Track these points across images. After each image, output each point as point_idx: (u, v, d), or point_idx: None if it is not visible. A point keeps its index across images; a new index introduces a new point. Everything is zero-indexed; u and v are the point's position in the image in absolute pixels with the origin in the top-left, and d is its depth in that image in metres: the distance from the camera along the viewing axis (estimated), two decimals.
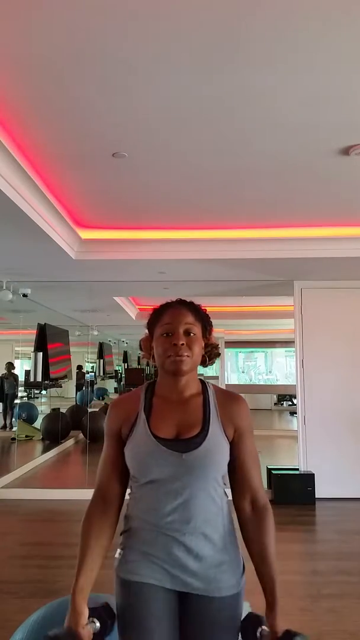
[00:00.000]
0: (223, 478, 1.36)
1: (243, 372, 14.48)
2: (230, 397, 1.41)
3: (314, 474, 4.98)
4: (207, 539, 1.30)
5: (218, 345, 1.48)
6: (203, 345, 1.41)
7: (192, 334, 1.36)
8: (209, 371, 12.89)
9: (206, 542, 1.29)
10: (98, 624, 1.25)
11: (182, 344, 1.33)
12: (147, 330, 1.45)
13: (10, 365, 9.29)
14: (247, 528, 1.36)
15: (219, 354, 1.49)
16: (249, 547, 1.35)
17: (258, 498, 1.36)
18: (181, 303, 1.43)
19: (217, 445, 1.32)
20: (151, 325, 1.42)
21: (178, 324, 1.35)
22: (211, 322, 1.46)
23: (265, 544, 1.35)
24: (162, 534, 1.29)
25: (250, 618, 1.32)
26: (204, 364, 1.44)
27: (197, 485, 1.29)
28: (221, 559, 1.31)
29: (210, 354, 1.45)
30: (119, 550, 1.35)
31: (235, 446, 1.35)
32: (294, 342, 5.47)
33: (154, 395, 1.40)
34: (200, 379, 1.45)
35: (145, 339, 1.46)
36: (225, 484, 1.37)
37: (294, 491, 4.91)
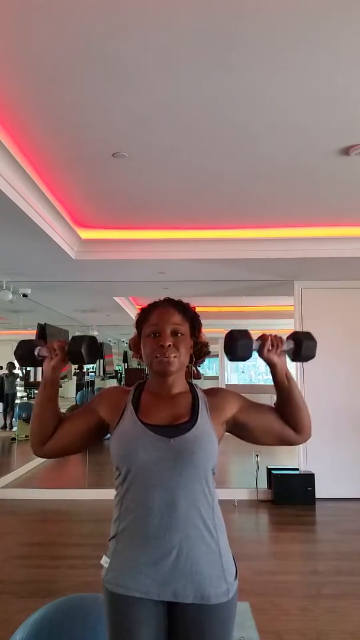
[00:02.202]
0: (213, 476, 1.33)
1: (243, 372, 14.47)
2: (212, 391, 1.44)
3: (314, 474, 4.98)
4: (198, 540, 1.25)
5: (208, 343, 1.48)
6: (191, 344, 1.41)
7: (179, 334, 1.36)
8: (209, 371, 12.88)
9: (197, 544, 1.25)
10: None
11: (169, 345, 1.34)
12: (135, 330, 1.46)
13: (11, 365, 9.30)
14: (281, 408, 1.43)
15: (208, 352, 1.49)
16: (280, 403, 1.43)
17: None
18: (169, 302, 1.43)
19: (205, 434, 1.30)
20: (139, 324, 1.43)
21: (165, 324, 1.36)
22: (200, 320, 1.46)
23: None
24: (151, 536, 1.24)
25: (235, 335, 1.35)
26: (192, 362, 1.44)
27: (186, 475, 1.26)
28: (213, 562, 1.26)
29: (200, 353, 1.46)
30: (105, 558, 1.31)
31: (245, 418, 1.39)
32: None
33: (143, 391, 1.41)
34: (189, 382, 1.45)
35: (134, 339, 1.46)
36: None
37: (294, 491, 4.91)
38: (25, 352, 1.42)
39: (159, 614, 1.25)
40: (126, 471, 1.29)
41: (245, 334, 1.35)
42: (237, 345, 1.34)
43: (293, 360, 1.41)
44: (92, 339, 1.40)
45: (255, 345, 1.36)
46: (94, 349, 1.40)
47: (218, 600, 1.25)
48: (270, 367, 1.39)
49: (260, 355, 1.37)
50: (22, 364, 1.45)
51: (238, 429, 1.41)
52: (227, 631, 1.28)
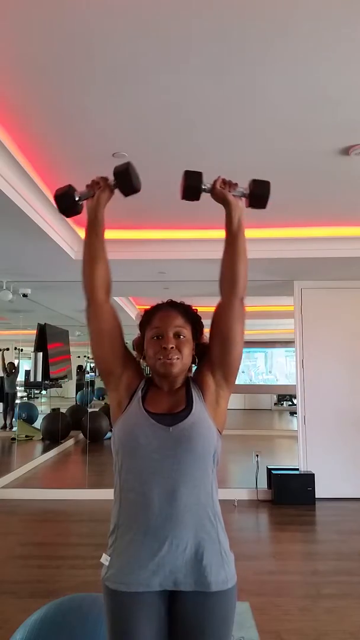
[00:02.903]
0: (215, 465, 1.34)
1: (243, 372, 14.47)
2: (195, 375, 1.45)
3: (314, 474, 4.98)
4: (198, 528, 1.27)
5: (209, 345, 1.48)
6: (193, 346, 1.43)
7: (181, 337, 1.39)
8: None
9: (197, 532, 1.27)
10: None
11: (172, 347, 1.36)
12: (139, 332, 1.48)
13: (11, 365, 9.30)
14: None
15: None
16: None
17: None
18: (171, 305, 1.46)
19: (202, 420, 1.33)
20: (142, 326, 1.46)
21: (168, 326, 1.38)
22: (202, 322, 1.48)
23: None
24: (151, 526, 1.25)
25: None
26: (194, 363, 1.46)
27: (185, 463, 1.27)
28: (212, 550, 1.28)
29: (202, 354, 1.47)
30: (105, 556, 1.32)
31: (215, 357, 1.40)
32: (294, 342, 5.47)
33: (151, 385, 1.44)
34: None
35: (137, 340, 1.49)
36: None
37: (294, 491, 4.90)
38: (66, 199, 1.40)
39: (160, 605, 1.27)
40: (126, 457, 1.31)
41: (194, 172, 1.40)
42: (185, 177, 1.39)
43: (250, 204, 1.46)
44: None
45: (206, 183, 1.41)
46: (137, 173, 1.42)
47: (217, 588, 1.26)
48: (225, 206, 1.41)
49: (214, 192, 1.40)
50: (67, 214, 1.45)
51: (224, 363, 1.40)
52: (226, 623, 1.28)
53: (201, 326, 1.48)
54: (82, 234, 4.20)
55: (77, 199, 1.40)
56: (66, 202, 1.40)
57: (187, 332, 1.40)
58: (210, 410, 1.36)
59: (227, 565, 1.30)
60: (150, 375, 1.47)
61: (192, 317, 1.45)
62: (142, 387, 1.40)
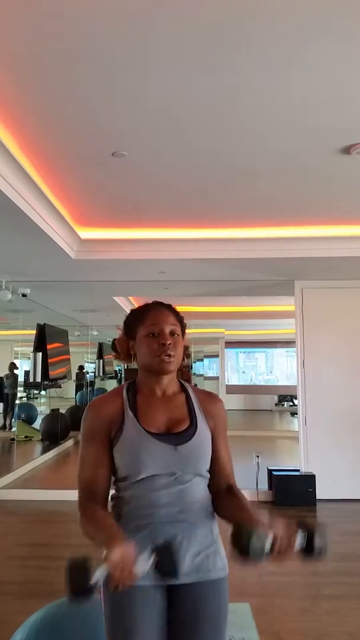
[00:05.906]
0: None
1: (243, 372, 14.46)
2: (209, 396, 1.49)
3: (314, 475, 4.96)
4: (198, 526, 1.34)
5: (189, 347, 1.55)
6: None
7: (175, 335, 1.41)
8: (209, 371, 12.86)
9: (197, 530, 1.33)
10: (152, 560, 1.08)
11: (170, 344, 1.38)
12: (122, 331, 1.48)
13: (12, 366, 9.30)
14: (223, 501, 1.40)
15: (189, 355, 1.56)
16: (226, 511, 1.37)
17: (232, 484, 1.44)
18: (162, 305, 1.47)
19: (205, 439, 1.38)
20: (133, 325, 1.45)
21: (164, 324, 1.40)
22: (185, 324, 1.51)
23: (243, 502, 1.38)
24: (155, 526, 1.30)
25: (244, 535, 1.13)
26: (182, 361, 1.49)
27: (191, 478, 1.34)
28: (210, 542, 1.35)
29: (185, 355, 1.51)
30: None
31: (213, 440, 1.42)
32: (294, 342, 5.46)
33: (138, 393, 1.42)
34: (179, 380, 1.49)
35: (121, 340, 1.48)
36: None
37: (295, 492, 4.89)
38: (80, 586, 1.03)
39: (160, 598, 1.31)
40: (132, 478, 1.33)
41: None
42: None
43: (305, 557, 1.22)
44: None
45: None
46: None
47: (217, 575, 1.34)
48: None
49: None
50: (78, 598, 1.05)
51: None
52: (223, 611, 1.35)
53: (185, 326, 1.50)
54: (81, 233, 4.19)
55: (91, 583, 1.03)
56: (80, 585, 1.03)
57: (179, 331, 1.44)
58: (207, 422, 1.42)
59: (223, 552, 1.38)
60: (135, 380, 1.46)
61: (180, 318, 1.48)
62: (128, 405, 1.38)
